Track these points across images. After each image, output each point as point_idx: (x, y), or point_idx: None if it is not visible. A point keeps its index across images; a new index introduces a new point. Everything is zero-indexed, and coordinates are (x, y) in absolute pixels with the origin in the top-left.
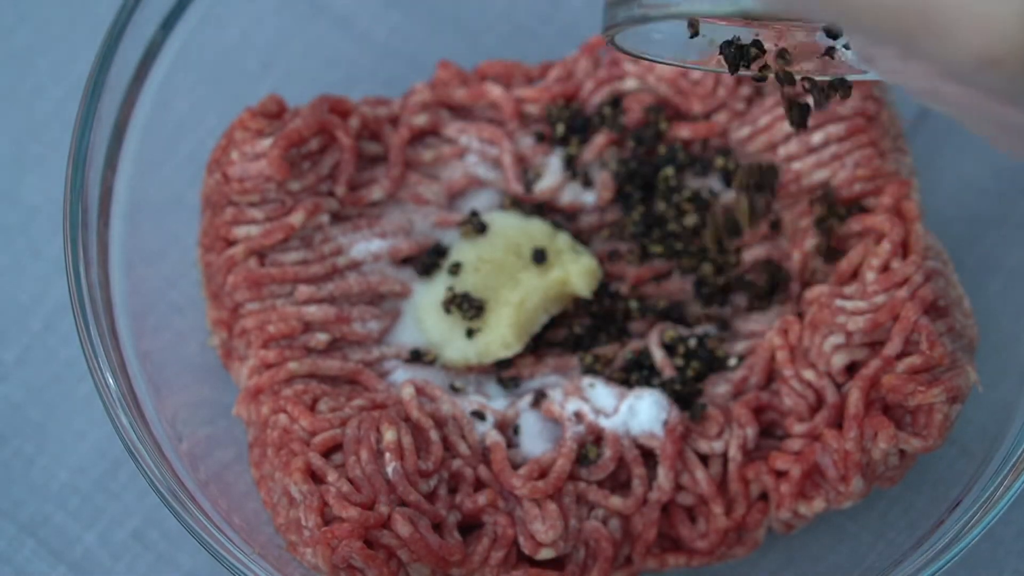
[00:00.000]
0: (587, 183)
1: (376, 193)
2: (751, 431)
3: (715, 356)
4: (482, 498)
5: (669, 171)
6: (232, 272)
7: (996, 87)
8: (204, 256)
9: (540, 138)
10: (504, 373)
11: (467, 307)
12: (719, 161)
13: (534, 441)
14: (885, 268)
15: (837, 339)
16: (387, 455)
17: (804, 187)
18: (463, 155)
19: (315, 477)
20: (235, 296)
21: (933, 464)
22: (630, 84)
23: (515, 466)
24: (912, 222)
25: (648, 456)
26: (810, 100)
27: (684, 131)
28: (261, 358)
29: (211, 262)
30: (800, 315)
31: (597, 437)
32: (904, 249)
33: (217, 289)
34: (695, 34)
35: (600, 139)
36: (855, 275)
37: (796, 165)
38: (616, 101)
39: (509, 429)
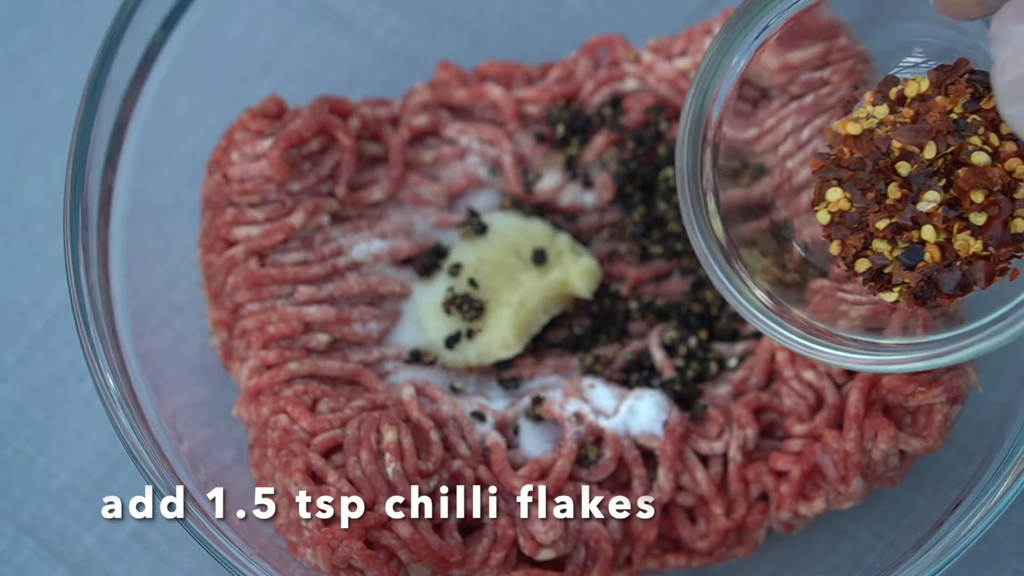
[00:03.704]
0: (587, 184)
1: (376, 194)
2: (751, 432)
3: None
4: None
5: (669, 172)
6: (232, 273)
7: None
8: (204, 257)
9: (540, 139)
10: (504, 374)
11: (467, 308)
12: None
13: (534, 442)
14: None
15: None
16: (387, 456)
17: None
18: (463, 156)
19: (315, 478)
20: (235, 297)
21: (933, 465)
22: (630, 85)
23: (515, 467)
24: None
25: (648, 457)
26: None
27: None
28: (261, 359)
29: (211, 263)
30: None
31: (597, 438)
32: None
33: (217, 290)
34: None
35: (600, 140)
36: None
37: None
38: (616, 101)
39: (509, 430)
